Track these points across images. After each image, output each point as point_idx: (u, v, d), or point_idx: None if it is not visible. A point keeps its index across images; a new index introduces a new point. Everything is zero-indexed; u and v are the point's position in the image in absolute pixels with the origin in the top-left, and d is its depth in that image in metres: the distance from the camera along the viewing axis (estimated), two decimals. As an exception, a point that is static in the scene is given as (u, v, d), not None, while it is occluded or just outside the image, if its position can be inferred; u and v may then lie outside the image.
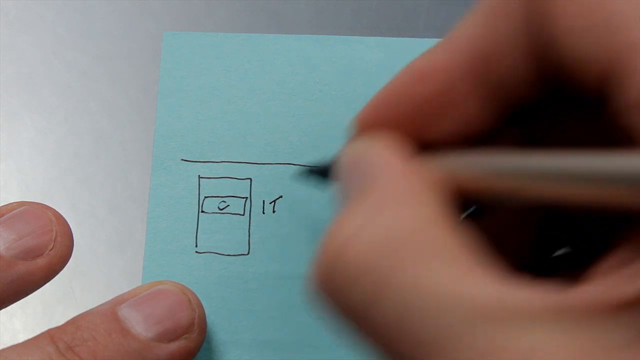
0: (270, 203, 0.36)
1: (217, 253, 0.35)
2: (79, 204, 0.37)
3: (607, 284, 0.20)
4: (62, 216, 0.31)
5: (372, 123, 0.26)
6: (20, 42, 0.39)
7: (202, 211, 0.36)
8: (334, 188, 0.27)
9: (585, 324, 0.19)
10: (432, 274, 0.21)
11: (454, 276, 0.21)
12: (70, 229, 0.31)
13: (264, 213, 0.36)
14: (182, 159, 0.36)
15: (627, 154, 0.20)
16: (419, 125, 0.26)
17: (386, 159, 0.24)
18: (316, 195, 0.36)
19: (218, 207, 0.36)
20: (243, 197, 0.36)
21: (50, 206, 0.31)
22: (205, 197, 0.36)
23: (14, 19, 0.40)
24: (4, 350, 0.28)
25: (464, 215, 0.27)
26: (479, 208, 0.27)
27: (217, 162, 0.36)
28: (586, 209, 0.22)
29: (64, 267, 0.31)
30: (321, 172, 0.31)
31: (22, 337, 0.35)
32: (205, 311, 0.33)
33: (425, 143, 0.26)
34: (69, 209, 0.37)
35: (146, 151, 0.37)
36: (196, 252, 0.35)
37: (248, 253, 0.35)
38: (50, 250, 0.30)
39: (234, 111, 0.37)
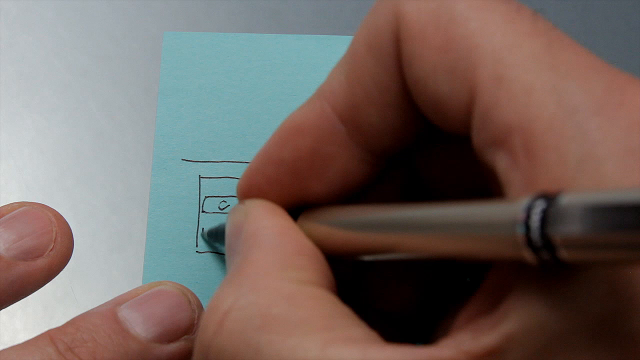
0: (271, 203, 0.36)
1: (217, 253, 0.35)
2: (79, 204, 0.37)
3: (459, 340, 0.20)
4: (62, 216, 0.31)
5: (252, 189, 0.27)
6: (21, 42, 0.39)
7: (203, 211, 0.36)
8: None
9: None
10: (295, 346, 0.21)
11: (316, 346, 0.21)
12: (70, 229, 0.31)
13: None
14: (182, 159, 0.36)
15: (484, 203, 0.20)
16: (298, 184, 0.26)
17: (262, 225, 0.25)
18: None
19: (219, 207, 0.36)
20: (243, 197, 0.36)
21: (50, 206, 0.31)
22: (206, 197, 0.36)
23: (14, 19, 0.40)
24: (3, 350, 0.28)
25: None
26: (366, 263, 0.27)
27: (217, 162, 0.36)
28: (451, 260, 0.22)
29: (64, 267, 0.31)
30: (216, 236, 0.33)
31: (22, 337, 0.36)
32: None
33: (308, 200, 0.26)
34: (69, 209, 0.37)
35: (146, 151, 0.37)
36: (197, 252, 0.35)
37: (248, 253, 0.35)
38: (50, 250, 0.30)
39: (234, 111, 0.36)
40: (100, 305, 0.30)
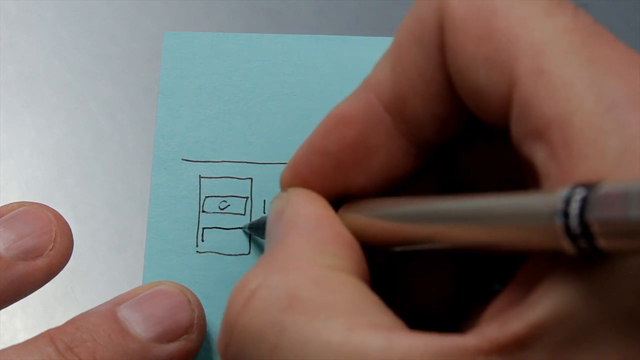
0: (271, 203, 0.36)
1: (218, 253, 0.35)
2: (79, 204, 0.37)
3: (485, 329, 0.20)
4: (62, 216, 0.31)
5: (295, 179, 0.27)
6: (21, 42, 0.39)
7: (203, 211, 0.36)
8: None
9: None
10: (320, 329, 0.21)
11: (341, 330, 0.21)
12: (70, 229, 0.31)
13: (265, 213, 0.36)
14: (182, 159, 0.36)
15: (523, 194, 0.20)
16: (342, 174, 0.26)
17: (301, 213, 0.25)
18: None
19: (219, 207, 0.36)
20: (244, 197, 0.36)
21: (50, 206, 0.31)
22: (206, 196, 0.36)
23: (14, 19, 0.40)
24: (3, 350, 0.28)
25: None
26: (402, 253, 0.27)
27: (217, 161, 0.36)
28: (488, 251, 0.22)
29: (64, 267, 0.31)
30: (257, 228, 0.33)
31: (22, 337, 0.36)
32: (206, 311, 0.33)
33: (351, 191, 0.26)
34: (69, 209, 0.37)
35: (146, 151, 0.37)
36: (197, 252, 0.35)
37: (249, 253, 0.35)
38: (50, 250, 0.30)
39: (235, 111, 0.36)
40: (100, 305, 0.30)
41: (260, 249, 0.35)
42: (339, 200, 0.27)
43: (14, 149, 0.38)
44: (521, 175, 0.24)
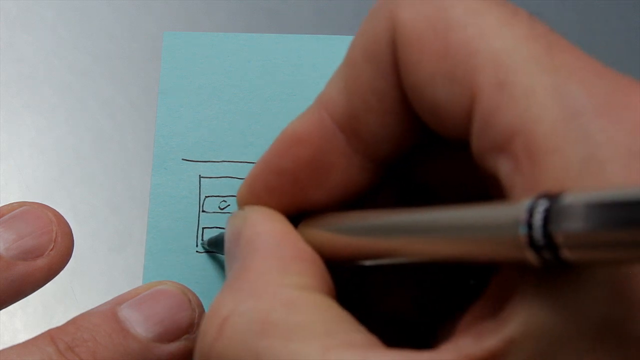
0: (271, 203, 0.36)
1: (218, 253, 0.35)
2: (79, 204, 0.37)
3: (460, 343, 0.20)
4: (62, 216, 0.31)
5: (252, 197, 0.27)
6: (21, 42, 0.39)
7: (203, 211, 0.36)
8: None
9: None
10: (295, 351, 0.21)
11: (317, 351, 0.21)
12: (70, 229, 0.31)
13: (264, 213, 0.36)
14: (182, 159, 0.36)
15: (486, 205, 0.20)
16: (299, 191, 0.26)
17: (260, 231, 0.25)
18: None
19: (219, 207, 0.36)
20: (243, 197, 0.36)
21: (51, 206, 0.31)
22: (206, 196, 0.36)
23: (14, 19, 0.40)
24: (4, 350, 0.28)
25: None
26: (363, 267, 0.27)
27: (217, 161, 0.36)
28: (453, 263, 0.22)
29: (64, 267, 0.31)
30: (216, 245, 0.33)
31: (22, 337, 0.36)
32: (206, 311, 0.33)
33: (309, 207, 0.26)
34: (69, 209, 0.37)
35: (146, 151, 0.37)
36: (197, 252, 0.35)
37: (248, 253, 0.35)
38: (50, 250, 0.30)
39: (235, 111, 0.36)
40: (100, 305, 0.30)
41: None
42: (296, 216, 0.27)
43: (14, 149, 0.38)
44: (481, 185, 0.24)
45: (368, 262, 0.25)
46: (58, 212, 0.31)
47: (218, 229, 0.35)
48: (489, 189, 0.23)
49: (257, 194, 0.27)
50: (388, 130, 0.24)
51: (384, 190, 0.27)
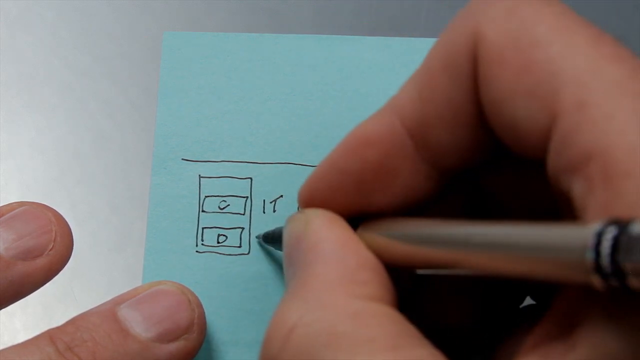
0: (271, 202, 0.36)
1: (217, 253, 0.35)
2: (79, 204, 0.37)
3: None
4: (62, 216, 0.31)
5: (314, 196, 0.26)
6: (21, 42, 0.39)
7: (203, 211, 0.35)
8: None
9: None
10: None
11: None
12: (70, 229, 0.31)
13: (264, 213, 0.36)
14: (182, 159, 0.36)
15: (554, 225, 0.20)
16: (362, 194, 0.26)
17: (324, 238, 0.25)
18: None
19: (219, 207, 0.36)
20: (243, 197, 0.36)
21: (50, 206, 0.31)
22: (206, 196, 0.36)
23: (14, 19, 0.40)
24: (3, 350, 0.28)
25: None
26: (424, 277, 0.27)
27: (217, 161, 0.36)
28: (515, 279, 0.22)
29: (64, 267, 0.31)
30: (272, 239, 0.33)
31: (22, 337, 0.36)
32: (205, 311, 0.33)
33: (369, 210, 0.26)
34: (69, 209, 0.37)
35: (146, 151, 0.37)
36: (196, 251, 0.35)
37: (248, 253, 0.35)
38: (50, 250, 0.31)
39: (234, 111, 0.36)
40: (100, 305, 0.30)
41: (264, 250, 0.35)
42: (355, 219, 0.26)
43: (14, 149, 0.38)
44: (550, 201, 0.24)
45: (428, 271, 0.25)
46: (58, 212, 0.31)
47: (218, 229, 0.35)
48: (558, 205, 0.23)
49: (319, 193, 0.26)
50: (458, 142, 0.24)
51: (449, 200, 0.26)
